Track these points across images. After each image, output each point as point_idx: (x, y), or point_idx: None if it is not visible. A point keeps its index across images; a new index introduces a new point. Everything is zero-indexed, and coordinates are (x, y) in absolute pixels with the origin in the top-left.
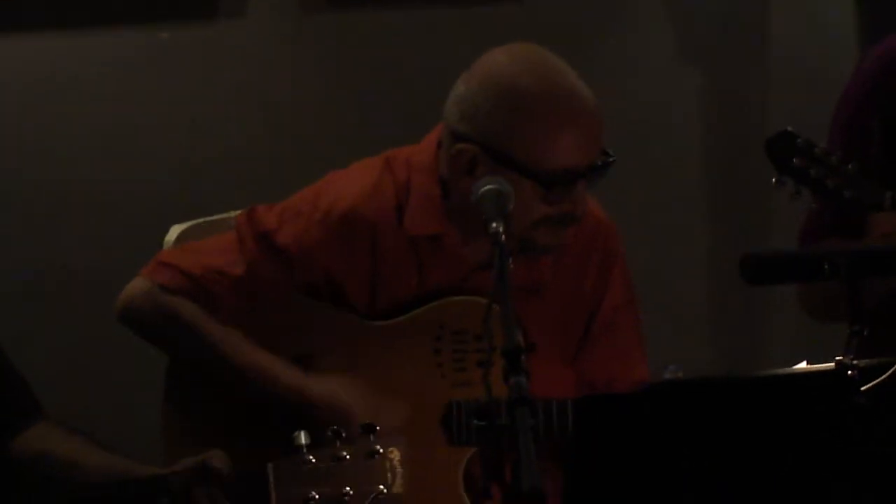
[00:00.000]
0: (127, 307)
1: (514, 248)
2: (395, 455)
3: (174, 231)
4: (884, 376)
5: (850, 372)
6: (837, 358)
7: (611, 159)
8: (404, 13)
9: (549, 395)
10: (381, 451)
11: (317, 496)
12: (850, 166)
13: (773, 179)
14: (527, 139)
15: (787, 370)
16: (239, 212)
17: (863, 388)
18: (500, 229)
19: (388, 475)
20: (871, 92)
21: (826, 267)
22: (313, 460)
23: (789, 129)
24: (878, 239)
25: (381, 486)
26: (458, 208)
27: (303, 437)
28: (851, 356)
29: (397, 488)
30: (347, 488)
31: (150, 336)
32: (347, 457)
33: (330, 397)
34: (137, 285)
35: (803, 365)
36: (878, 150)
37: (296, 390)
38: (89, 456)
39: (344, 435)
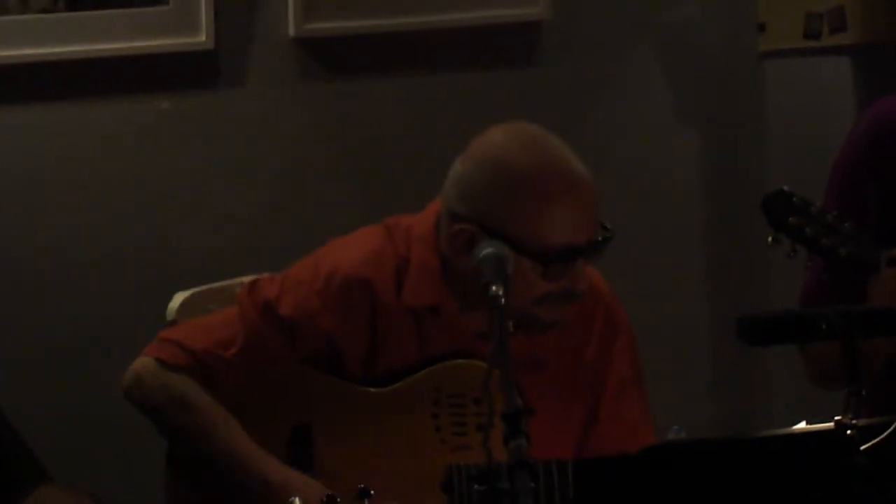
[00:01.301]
0: (131, 386)
1: (515, 323)
2: None
3: (177, 298)
4: (882, 435)
5: (849, 431)
6: (836, 418)
7: (609, 235)
8: (406, 80)
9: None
10: None
11: None
12: (846, 225)
13: (769, 238)
14: (523, 218)
15: (786, 430)
16: (240, 279)
17: (862, 448)
18: (500, 292)
19: None
20: (864, 157)
21: (823, 327)
22: None
23: (785, 187)
24: (878, 299)
25: None
26: (456, 280)
27: None
28: (850, 416)
29: None
30: None
31: (153, 415)
32: None
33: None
34: (140, 363)
35: (802, 425)
36: (874, 215)
37: (275, 487)
38: None
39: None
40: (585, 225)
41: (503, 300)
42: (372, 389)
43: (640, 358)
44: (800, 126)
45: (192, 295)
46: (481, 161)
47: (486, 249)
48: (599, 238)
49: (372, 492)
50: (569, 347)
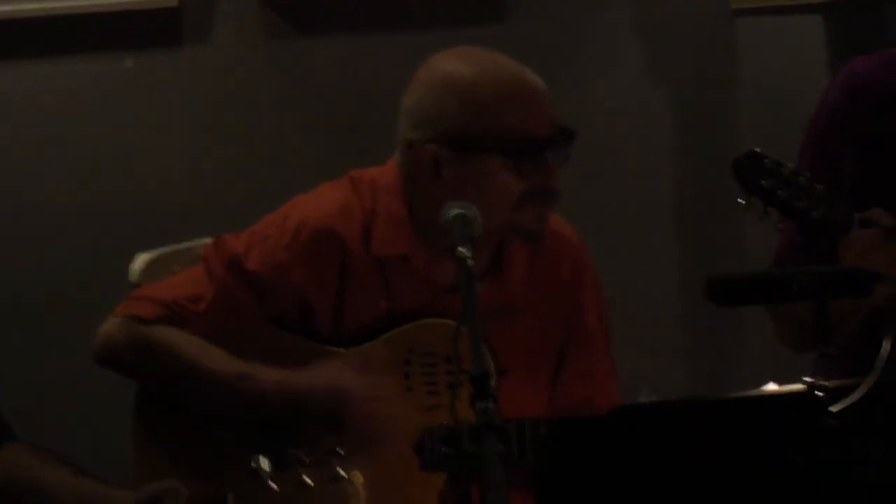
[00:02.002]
0: (103, 347)
1: (502, 236)
2: (359, 479)
3: (140, 259)
4: (852, 397)
5: (818, 393)
6: (806, 379)
7: (572, 133)
8: (371, 38)
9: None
10: (345, 475)
11: None
12: (818, 186)
13: (741, 200)
14: (480, 116)
15: (756, 392)
16: (205, 239)
17: (832, 409)
18: (468, 253)
19: (352, 499)
20: (838, 118)
21: (794, 287)
22: (275, 487)
23: (757, 149)
24: (849, 261)
25: None
26: (425, 227)
27: (265, 464)
28: (820, 377)
29: None
30: None
31: (131, 371)
32: (310, 483)
33: (323, 382)
34: (111, 324)
35: (772, 386)
36: (848, 174)
37: (280, 386)
38: (58, 482)
39: (337, 451)
40: (542, 116)
41: (471, 261)
42: (342, 349)
43: (606, 309)
44: (772, 84)
45: (156, 256)
46: (428, 84)
47: (453, 210)
48: (562, 132)
49: (342, 452)
50: (538, 293)
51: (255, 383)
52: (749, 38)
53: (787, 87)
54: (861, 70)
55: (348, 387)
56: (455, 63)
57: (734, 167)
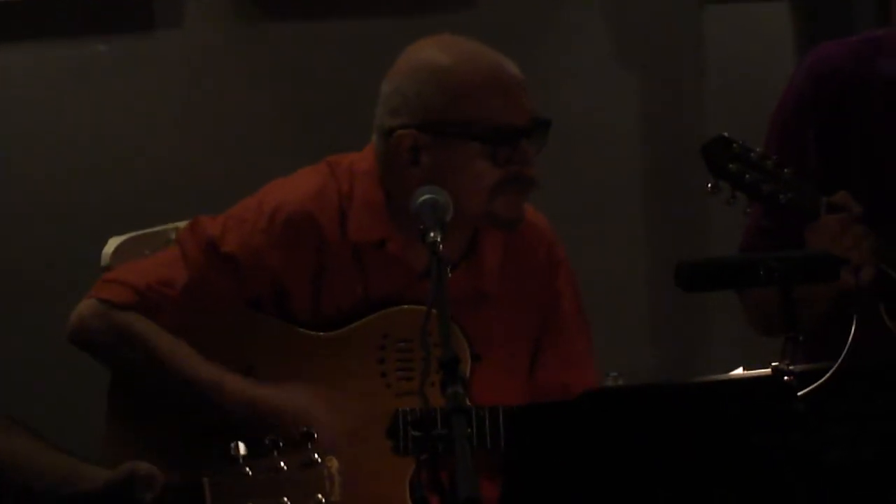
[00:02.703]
0: (77, 328)
1: (478, 225)
2: (334, 464)
3: (111, 243)
4: (820, 381)
5: (786, 378)
6: (774, 364)
7: (548, 121)
8: (342, 23)
9: (497, 404)
10: (319, 460)
11: None
12: (786, 171)
13: (709, 184)
14: (459, 103)
15: (724, 376)
16: (175, 224)
17: (799, 394)
18: (438, 239)
19: (326, 484)
20: (803, 104)
21: (761, 273)
22: (250, 472)
23: (725, 134)
24: (817, 245)
25: (320, 496)
26: (401, 212)
27: (240, 449)
28: (788, 362)
29: (336, 497)
30: (285, 499)
31: (103, 355)
32: (285, 467)
33: (291, 407)
34: (85, 306)
35: (740, 371)
36: (813, 160)
37: (248, 401)
38: (32, 458)
39: (311, 435)
40: (520, 105)
41: (441, 246)
42: (318, 333)
43: (580, 293)
44: (740, 71)
45: (127, 240)
46: (405, 71)
47: (424, 195)
48: (539, 121)
49: (315, 435)
50: (513, 284)
51: (221, 395)
52: (717, 24)
53: (754, 73)
54: (826, 57)
55: (317, 420)
56: (434, 51)
57: (703, 151)
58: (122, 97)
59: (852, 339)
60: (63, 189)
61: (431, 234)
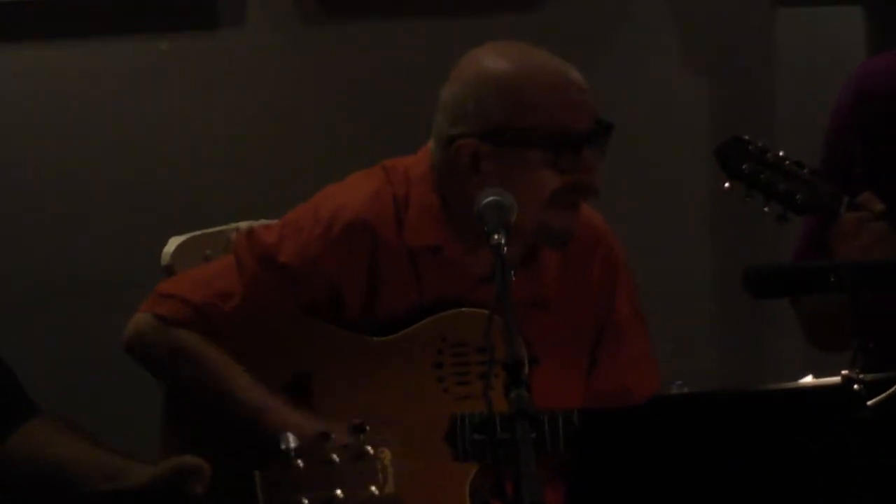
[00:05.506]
0: (132, 342)
1: (529, 242)
2: (386, 455)
3: (173, 243)
4: (890, 390)
5: (855, 386)
6: (843, 372)
7: (611, 123)
8: (407, 23)
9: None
10: (371, 451)
11: (306, 501)
12: (804, 171)
13: (726, 185)
14: (520, 111)
15: (793, 385)
16: (236, 224)
17: (869, 403)
18: (503, 241)
19: (380, 475)
20: (849, 118)
21: (832, 279)
22: (301, 465)
23: (744, 136)
24: (840, 244)
25: (373, 487)
26: (459, 218)
27: (290, 441)
28: (857, 370)
29: (389, 488)
30: (338, 491)
31: (155, 369)
32: (337, 459)
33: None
34: (142, 320)
35: (809, 379)
36: (861, 175)
37: (299, 435)
38: (76, 456)
39: (333, 436)
40: (582, 111)
41: (505, 248)
42: (373, 338)
43: (638, 294)
44: (811, 75)
45: (188, 239)
46: (466, 79)
47: (489, 197)
48: (601, 128)
49: (368, 428)
50: (571, 285)
51: (262, 422)
52: (789, 28)
53: (826, 77)
54: (872, 73)
55: None
56: (494, 58)
57: (715, 153)
58: (183, 96)
59: None
60: (124, 189)
61: (496, 237)
